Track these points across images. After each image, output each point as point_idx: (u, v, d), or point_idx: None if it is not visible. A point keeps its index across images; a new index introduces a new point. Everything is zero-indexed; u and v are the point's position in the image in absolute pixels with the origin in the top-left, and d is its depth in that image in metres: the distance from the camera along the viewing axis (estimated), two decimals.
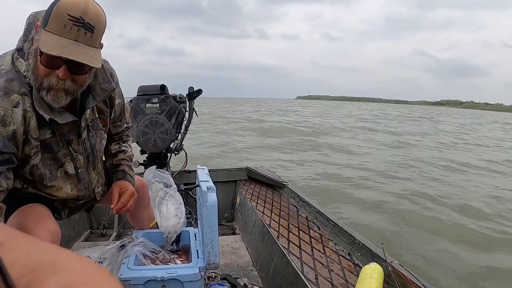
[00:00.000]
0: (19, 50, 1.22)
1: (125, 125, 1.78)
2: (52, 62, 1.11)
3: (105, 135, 1.56)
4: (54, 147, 1.29)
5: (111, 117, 1.57)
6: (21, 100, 1.15)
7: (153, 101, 2.98)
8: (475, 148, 15.66)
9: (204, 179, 1.72)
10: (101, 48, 1.20)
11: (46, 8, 1.11)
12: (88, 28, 1.09)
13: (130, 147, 1.80)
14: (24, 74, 1.18)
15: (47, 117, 1.19)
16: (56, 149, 1.30)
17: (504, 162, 12.09)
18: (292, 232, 2.24)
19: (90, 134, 1.42)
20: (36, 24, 1.15)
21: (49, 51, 1.06)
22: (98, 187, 1.62)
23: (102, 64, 1.30)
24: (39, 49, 1.09)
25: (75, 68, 1.14)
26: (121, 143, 1.77)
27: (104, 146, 1.58)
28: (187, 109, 3.19)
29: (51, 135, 1.27)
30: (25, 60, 1.19)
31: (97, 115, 1.45)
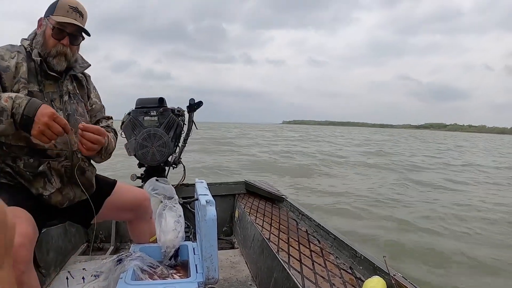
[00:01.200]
0: (25, 39, 1.67)
1: (106, 123, 1.87)
2: (60, 34, 1.59)
3: (87, 115, 1.77)
4: (39, 98, 1.49)
5: (90, 104, 1.84)
6: (17, 55, 1.57)
7: (152, 114, 2.96)
8: None
9: (203, 193, 1.69)
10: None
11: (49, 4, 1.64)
12: (80, 14, 1.63)
13: (112, 138, 1.81)
14: (27, 49, 1.61)
15: (38, 60, 1.58)
16: (41, 100, 1.48)
17: None
18: (292, 246, 2.21)
19: (72, 101, 1.70)
20: (39, 19, 1.64)
21: (65, 21, 1.57)
22: (79, 154, 1.66)
23: (82, 57, 1.79)
24: (53, 26, 1.58)
25: (73, 38, 1.64)
26: None
27: (86, 120, 1.72)
28: (185, 122, 3.17)
29: (38, 90, 1.57)
30: (30, 41, 1.64)
31: (77, 91, 1.76)
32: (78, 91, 1.78)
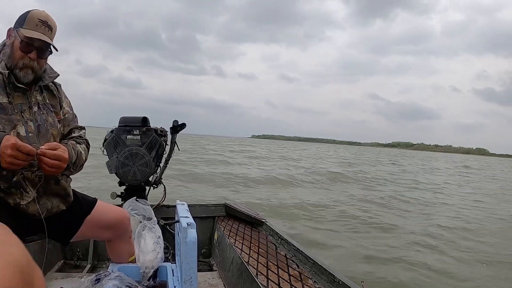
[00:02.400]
0: None
1: (78, 133, 1.86)
2: (27, 48, 1.60)
3: (59, 125, 1.76)
4: (9, 110, 1.57)
5: (63, 113, 1.83)
6: None
7: (134, 132, 2.96)
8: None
9: (184, 215, 1.70)
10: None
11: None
12: (50, 28, 1.64)
13: (83, 150, 1.80)
14: None
15: (6, 73, 1.59)
16: (11, 112, 1.57)
17: None
18: (271, 270, 2.21)
19: (41, 112, 1.69)
20: (8, 29, 1.65)
21: (33, 36, 1.58)
22: None
23: (51, 68, 1.79)
24: (21, 39, 1.59)
25: (41, 53, 1.64)
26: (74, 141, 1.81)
27: (57, 130, 1.73)
28: (168, 143, 3.18)
29: (7, 102, 1.58)
30: None
31: (47, 101, 1.76)
32: (48, 101, 1.77)
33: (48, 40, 1.63)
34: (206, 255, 3.44)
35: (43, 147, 1.51)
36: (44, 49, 1.66)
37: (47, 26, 1.64)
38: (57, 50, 1.70)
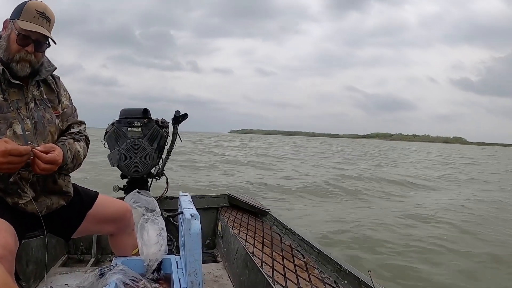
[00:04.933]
0: None
1: (78, 129, 1.81)
2: (24, 41, 1.55)
3: (57, 121, 1.72)
4: (4, 108, 1.53)
5: (62, 107, 1.77)
6: None
7: (136, 124, 2.93)
8: None
9: (188, 206, 1.68)
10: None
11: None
12: (48, 20, 1.59)
13: (81, 148, 1.74)
14: None
15: (0, 69, 1.54)
16: (6, 110, 1.53)
17: None
18: (276, 260, 2.19)
19: (38, 108, 1.64)
20: (5, 20, 1.60)
21: (30, 28, 1.52)
22: None
23: (49, 60, 1.74)
24: (17, 31, 1.53)
25: (38, 46, 1.59)
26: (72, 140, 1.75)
27: (55, 126, 1.69)
28: (169, 134, 3.15)
29: (2, 99, 1.54)
30: None
31: (45, 96, 1.71)
32: (46, 96, 1.72)
33: (46, 33, 1.57)
34: (210, 246, 3.43)
35: (38, 148, 1.47)
36: (41, 42, 1.60)
37: (45, 17, 1.57)
38: (55, 43, 1.64)
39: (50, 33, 1.61)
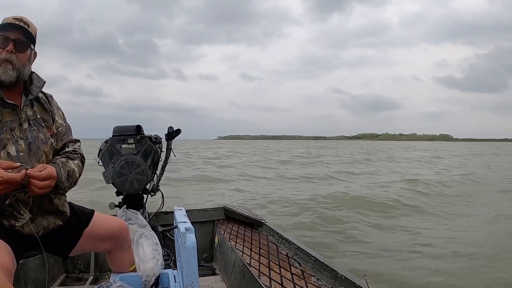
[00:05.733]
0: None
1: (72, 147, 1.80)
2: (4, 43, 1.54)
3: (51, 140, 1.70)
4: None
5: (56, 127, 1.76)
6: None
7: (129, 141, 2.95)
8: None
9: (182, 220, 1.69)
10: (34, 49, 1.68)
11: None
12: (25, 24, 1.59)
13: (76, 166, 1.74)
14: None
15: None
16: (0, 131, 1.52)
17: None
18: (273, 270, 2.21)
19: (32, 128, 1.63)
20: None
21: (8, 22, 1.55)
22: None
23: (38, 76, 1.72)
24: None
25: (18, 45, 1.57)
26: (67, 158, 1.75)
27: (50, 146, 1.67)
28: (163, 150, 3.16)
29: None
30: None
31: (38, 116, 1.69)
32: (39, 116, 1.70)
33: (23, 25, 1.58)
34: (208, 259, 3.43)
35: (31, 170, 1.46)
36: (22, 41, 1.59)
37: (23, 22, 1.59)
38: (34, 41, 1.65)
39: (30, 34, 1.62)
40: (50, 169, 1.52)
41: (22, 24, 1.58)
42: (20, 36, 1.57)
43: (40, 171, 1.48)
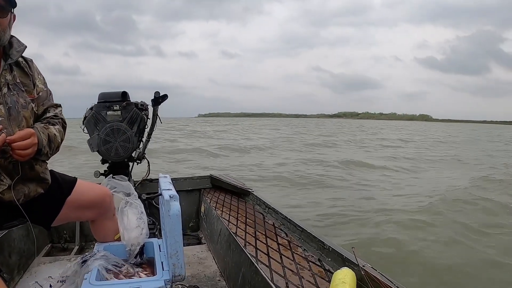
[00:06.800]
0: None
1: (53, 112, 1.77)
2: None
3: (32, 105, 1.65)
4: None
5: (37, 91, 1.71)
6: None
7: (115, 108, 2.87)
8: None
9: (167, 188, 1.66)
10: (13, 13, 1.59)
11: None
12: None
13: (57, 131, 1.71)
14: None
15: None
16: None
17: None
18: (259, 240, 2.20)
19: (12, 93, 1.57)
20: None
21: None
22: None
23: (18, 40, 1.64)
24: None
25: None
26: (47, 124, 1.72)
27: (30, 111, 1.63)
28: (149, 117, 3.10)
29: None
30: None
31: (18, 80, 1.64)
32: (19, 80, 1.66)
33: None
34: (194, 228, 3.43)
35: (13, 137, 1.43)
36: (2, 5, 1.50)
37: None
38: (15, 5, 1.55)
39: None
40: (29, 131, 1.49)
41: None
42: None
43: (23, 138, 1.44)
